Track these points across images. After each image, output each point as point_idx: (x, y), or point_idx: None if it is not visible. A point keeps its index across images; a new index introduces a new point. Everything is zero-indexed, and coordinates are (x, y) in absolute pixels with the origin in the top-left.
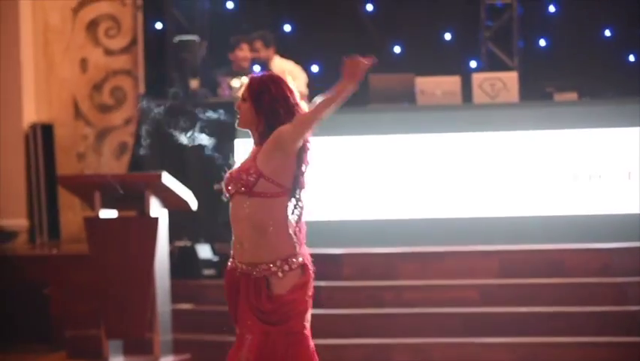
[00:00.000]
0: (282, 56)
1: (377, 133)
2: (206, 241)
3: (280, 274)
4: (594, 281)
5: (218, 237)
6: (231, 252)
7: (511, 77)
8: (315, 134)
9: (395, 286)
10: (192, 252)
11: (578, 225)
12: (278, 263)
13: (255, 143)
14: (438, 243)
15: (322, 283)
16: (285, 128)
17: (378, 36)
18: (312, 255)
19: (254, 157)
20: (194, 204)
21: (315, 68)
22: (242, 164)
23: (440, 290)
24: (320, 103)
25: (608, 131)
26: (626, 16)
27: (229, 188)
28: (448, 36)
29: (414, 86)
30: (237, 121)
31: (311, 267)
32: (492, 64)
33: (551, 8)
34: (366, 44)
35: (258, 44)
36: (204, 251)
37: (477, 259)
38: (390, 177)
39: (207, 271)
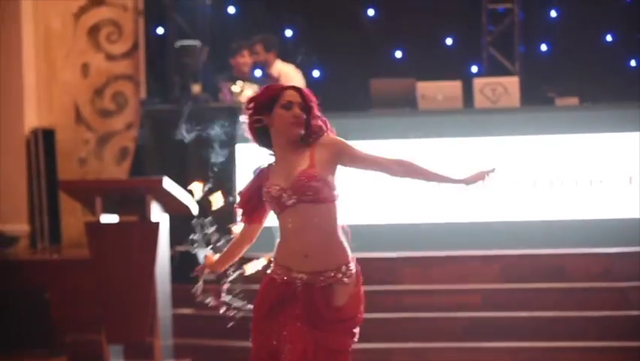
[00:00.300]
0: (283, 60)
1: (378, 138)
2: (207, 245)
3: (346, 279)
4: (595, 286)
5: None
6: (272, 263)
7: (512, 82)
8: None
9: (396, 291)
10: (193, 257)
11: (578, 229)
12: (343, 269)
13: (287, 150)
14: (439, 248)
15: None
16: (350, 148)
17: (379, 41)
18: None
19: (311, 164)
20: (195, 208)
21: (316, 73)
22: (296, 171)
23: (441, 295)
24: (413, 166)
25: (609, 136)
26: (627, 22)
27: (283, 200)
28: (449, 41)
29: (415, 91)
30: (299, 126)
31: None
32: (493, 69)
33: (553, 13)
34: (367, 49)
35: (259, 47)
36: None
37: (478, 263)
38: (392, 182)
39: (206, 276)
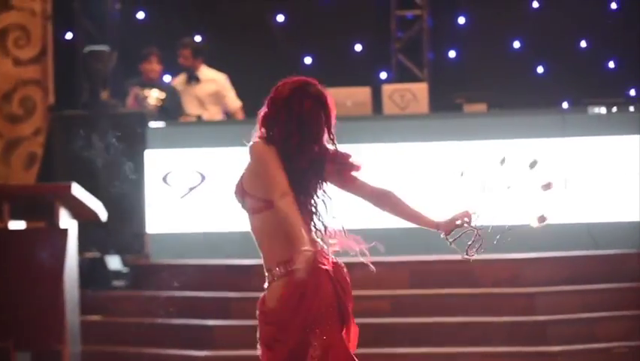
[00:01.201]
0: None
1: None
2: (116, 252)
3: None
4: (503, 291)
5: (128, 248)
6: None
7: (421, 89)
8: (226, 146)
9: None
10: (102, 263)
11: (488, 235)
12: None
13: None
14: (347, 254)
15: (232, 294)
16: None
17: (288, 47)
18: (219, 266)
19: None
20: (103, 215)
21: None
22: None
23: None
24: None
25: (517, 142)
26: (535, 28)
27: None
28: (358, 47)
29: None
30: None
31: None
32: (402, 75)
33: (461, 20)
34: (276, 55)
35: (186, 52)
36: (114, 262)
37: (387, 269)
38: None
39: (117, 283)
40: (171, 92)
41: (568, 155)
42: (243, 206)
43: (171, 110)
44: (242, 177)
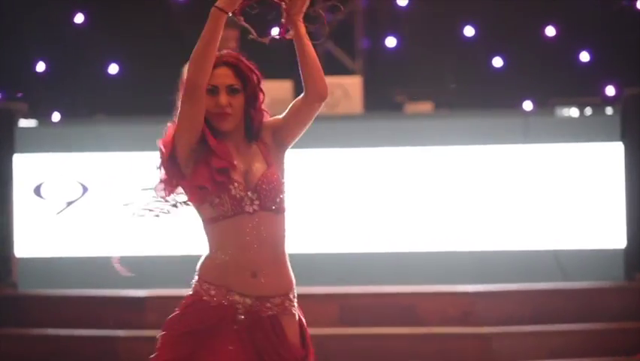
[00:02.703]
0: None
1: None
2: None
3: (293, 309)
4: (453, 331)
5: None
6: (203, 282)
7: (353, 83)
8: (114, 150)
9: None
10: None
11: (431, 263)
12: (291, 296)
13: (229, 142)
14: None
15: (120, 333)
16: (280, 123)
17: (192, 30)
18: (104, 298)
19: (269, 162)
20: None
21: (113, 69)
22: (254, 168)
23: None
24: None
25: (469, 149)
26: (491, 13)
27: (244, 203)
28: (274, 31)
29: None
30: (224, 120)
31: None
32: (330, 66)
33: (402, 1)
34: (179, 41)
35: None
36: None
37: (312, 303)
38: None
39: None
40: None
41: (531, 166)
42: (273, 202)
43: None
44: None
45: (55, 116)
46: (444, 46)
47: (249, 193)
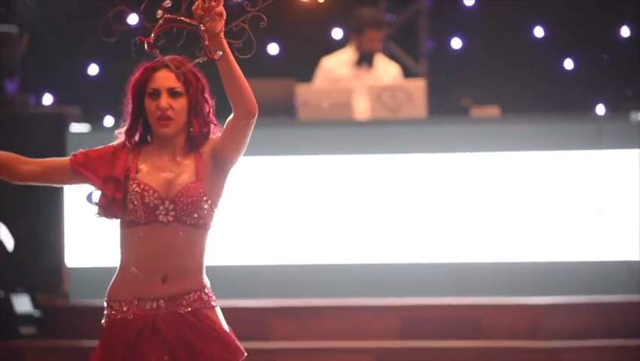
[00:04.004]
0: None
1: (254, 154)
2: (25, 290)
3: (213, 303)
4: (520, 345)
5: (42, 285)
6: (113, 302)
7: (417, 86)
8: None
9: (266, 350)
10: (7, 304)
11: (499, 274)
12: (207, 291)
13: (166, 145)
14: (321, 295)
15: None
16: (219, 143)
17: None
18: None
19: (199, 176)
20: (9, 243)
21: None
22: (179, 180)
23: (323, 355)
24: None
25: (537, 155)
26: (561, 13)
27: (158, 212)
28: (337, 33)
29: (294, 96)
30: (165, 125)
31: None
32: None
33: (469, 1)
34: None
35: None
36: (22, 304)
37: (371, 315)
38: (260, 212)
39: (26, 330)
40: None
41: (604, 173)
42: (190, 216)
43: None
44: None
45: (108, 121)
46: (512, 47)
47: (166, 203)
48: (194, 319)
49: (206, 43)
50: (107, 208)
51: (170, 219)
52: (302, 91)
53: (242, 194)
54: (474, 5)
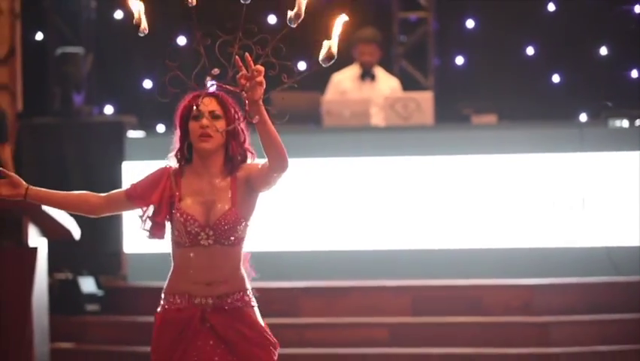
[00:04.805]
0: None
1: None
2: (90, 273)
3: (253, 303)
4: (514, 320)
5: (104, 269)
6: (167, 295)
7: (425, 98)
8: None
9: (297, 325)
10: (74, 285)
11: (497, 259)
12: (248, 292)
13: (205, 172)
14: (344, 277)
15: None
16: (254, 173)
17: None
18: None
19: (234, 202)
20: (76, 232)
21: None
22: (216, 208)
23: (346, 329)
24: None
25: (528, 157)
26: (550, 34)
27: (200, 238)
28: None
29: (319, 106)
30: (205, 140)
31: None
32: (405, 83)
33: (469, 23)
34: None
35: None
36: (87, 285)
37: (387, 294)
38: (291, 205)
39: (91, 307)
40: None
41: (586, 172)
42: (227, 239)
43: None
44: (234, 209)
45: (160, 128)
46: (507, 64)
47: (206, 229)
48: (238, 314)
49: (247, 109)
50: (154, 231)
51: (211, 242)
52: (326, 102)
53: (277, 192)
54: (474, 28)
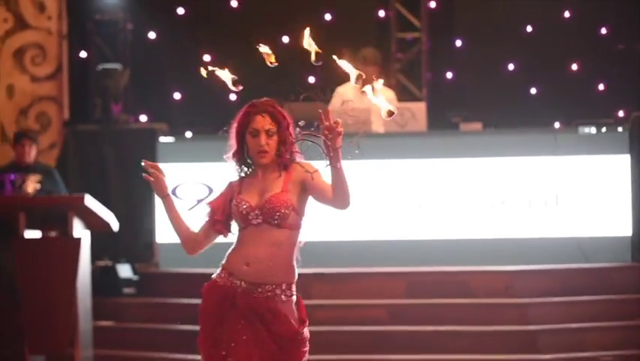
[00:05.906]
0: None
1: None
2: (127, 260)
3: (284, 297)
4: (497, 302)
5: (139, 257)
6: (222, 268)
7: (419, 108)
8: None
9: (308, 305)
10: (113, 271)
11: (482, 248)
12: (283, 287)
13: (262, 170)
14: (349, 264)
15: None
16: (314, 189)
17: (294, 66)
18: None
19: (284, 189)
20: (115, 225)
21: (232, 97)
22: (268, 193)
23: (351, 309)
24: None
25: (510, 160)
26: (528, 51)
27: (250, 217)
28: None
29: None
30: (262, 157)
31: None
32: (401, 94)
33: (458, 43)
34: (282, 73)
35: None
36: (124, 271)
37: (386, 279)
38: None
39: (127, 290)
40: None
41: (559, 172)
42: (273, 217)
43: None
44: (283, 194)
45: (188, 134)
46: (490, 78)
47: (256, 210)
48: (265, 305)
49: (330, 155)
50: (217, 228)
51: (260, 221)
52: (332, 111)
53: None
54: (462, 46)
